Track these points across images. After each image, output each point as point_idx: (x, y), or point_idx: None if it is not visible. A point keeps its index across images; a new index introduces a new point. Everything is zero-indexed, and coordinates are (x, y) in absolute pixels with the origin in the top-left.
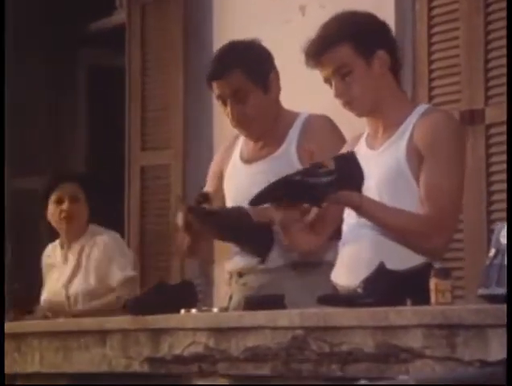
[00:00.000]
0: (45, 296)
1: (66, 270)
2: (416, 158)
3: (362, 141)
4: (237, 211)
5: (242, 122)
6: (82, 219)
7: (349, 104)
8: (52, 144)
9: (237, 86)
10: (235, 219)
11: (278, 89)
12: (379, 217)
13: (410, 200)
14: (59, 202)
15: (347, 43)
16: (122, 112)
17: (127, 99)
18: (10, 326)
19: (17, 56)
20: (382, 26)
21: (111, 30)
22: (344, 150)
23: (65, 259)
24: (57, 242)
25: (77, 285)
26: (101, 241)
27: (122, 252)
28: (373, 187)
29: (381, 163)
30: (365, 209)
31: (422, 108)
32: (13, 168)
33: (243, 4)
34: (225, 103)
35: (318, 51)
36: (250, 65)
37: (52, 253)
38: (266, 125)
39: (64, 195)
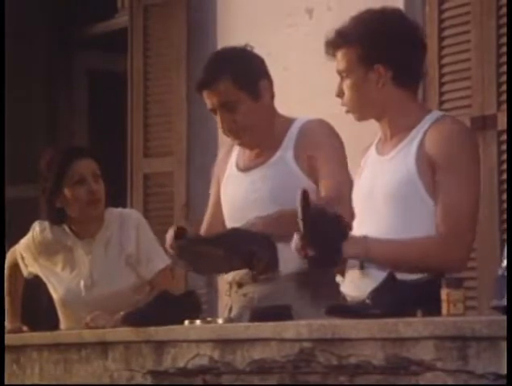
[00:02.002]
0: (62, 295)
1: (87, 266)
2: (428, 168)
3: (373, 146)
4: (232, 232)
5: (233, 131)
6: (104, 200)
7: (344, 105)
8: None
9: (225, 95)
10: (231, 241)
11: (271, 96)
12: (391, 255)
13: (419, 209)
14: (81, 182)
15: (354, 48)
16: (124, 117)
17: (129, 104)
18: (8, 338)
19: (15, 59)
20: (394, 33)
21: (112, 33)
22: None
23: (87, 252)
24: (66, 228)
25: (104, 287)
26: (133, 228)
27: (152, 237)
28: (380, 195)
29: (390, 170)
30: (373, 252)
31: (434, 115)
32: (8, 176)
33: (248, 7)
34: (215, 113)
35: (333, 45)
36: (239, 73)
37: (55, 237)
38: (259, 134)
39: (86, 173)
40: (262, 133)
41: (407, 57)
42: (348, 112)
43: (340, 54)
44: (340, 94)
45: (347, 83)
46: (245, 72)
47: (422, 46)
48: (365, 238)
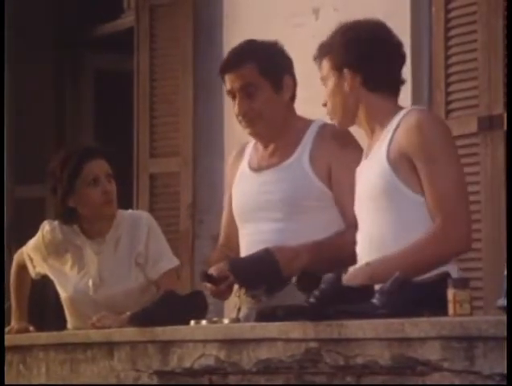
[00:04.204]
0: (70, 294)
1: (95, 266)
2: (402, 161)
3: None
4: (269, 260)
5: (248, 117)
6: (116, 200)
7: (327, 114)
8: (57, 151)
9: (248, 80)
10: (265, 267)
11: (292, 93)
12: (396, 270)
13: (400, 202)
14: (95, 183)
15: (328, 56)
16: (131, 117)
17: (135, 104)
18: (15, 338)
19: (21, 60)
20: (357, 42)
21: (119, 33)
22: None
23: (96, 252)
24: (76, 228)
25: (112, 287)
26: (145, 229)
27: (162, 238)
28: (365, 196)
29: (368, 170)
30: (377, 276)
31: (403, 111)
32: (16, 176)
33: (254, 8)
34: (234, 97)
35: (317, 57)
36: (265, 61)
37: (65, 237)
38: (273, 127)
39: (100, 173)
40: (277, 129)
41: (378, 63)
42: (331, 118)
43: (324, 62)
44: (325, 103)
45: (325, 91)
46: (271, 62)
47: (397, 55)
48: (367, 265)
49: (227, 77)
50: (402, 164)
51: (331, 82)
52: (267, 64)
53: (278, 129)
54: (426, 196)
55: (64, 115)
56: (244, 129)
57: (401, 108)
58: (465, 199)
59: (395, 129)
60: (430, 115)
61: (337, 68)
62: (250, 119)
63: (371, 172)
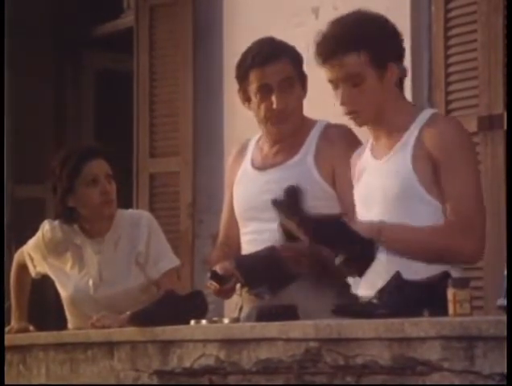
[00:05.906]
0: (70, 293)
1: (95, 265)
2: (427, 167)
3: (367, 150)
4: (275, 258)
5: (284, 114)
6: (116, 200)
7: (354, 113)
8: (57, 152)
9: (287, 73)
10: (271, 265)
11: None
12: (404, 237)
13: (419, 209)
14: (95, 183)
15: (363, 52)
16: (131, 117)
17: (135, 104)
18: (15, 338)
19: (21, 60)
20: (395, 34)
21: (119, 33)
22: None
23: (96, 251)
24: (76, 228)
25: (112, 286)
26: (145, 228)
27: (163, 238)
28: (379, 199)
29: (387, 173)
30: (385, 233)
31: (426, 114)
32: (16, 176)
33: (254, 7)
34: (269, 91)
35: (331, 52)
36: (295, 56)
37: (65, 236)
38: (297, 123)
39: (99, 173)
40: (296, 126)
41: (401, 56)
42: (353, 117)
43: (346, 60)
44: (348, 101)
45: (362, 88)
46: (297, 57)
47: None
48: (380, 221)
49: (262, 70)
50: (426, 169)
51: (370, 78)
52: (296, 59)
53: (296, 126)
54: (445, 200)
55: (64, 115)
56: (271, 126)
57: (416, 106)
58: (483, 215)
59: (420, 132)
60: (457, 122)
61: (379, 63)
62: (284, 116)
63: (393, 173)
